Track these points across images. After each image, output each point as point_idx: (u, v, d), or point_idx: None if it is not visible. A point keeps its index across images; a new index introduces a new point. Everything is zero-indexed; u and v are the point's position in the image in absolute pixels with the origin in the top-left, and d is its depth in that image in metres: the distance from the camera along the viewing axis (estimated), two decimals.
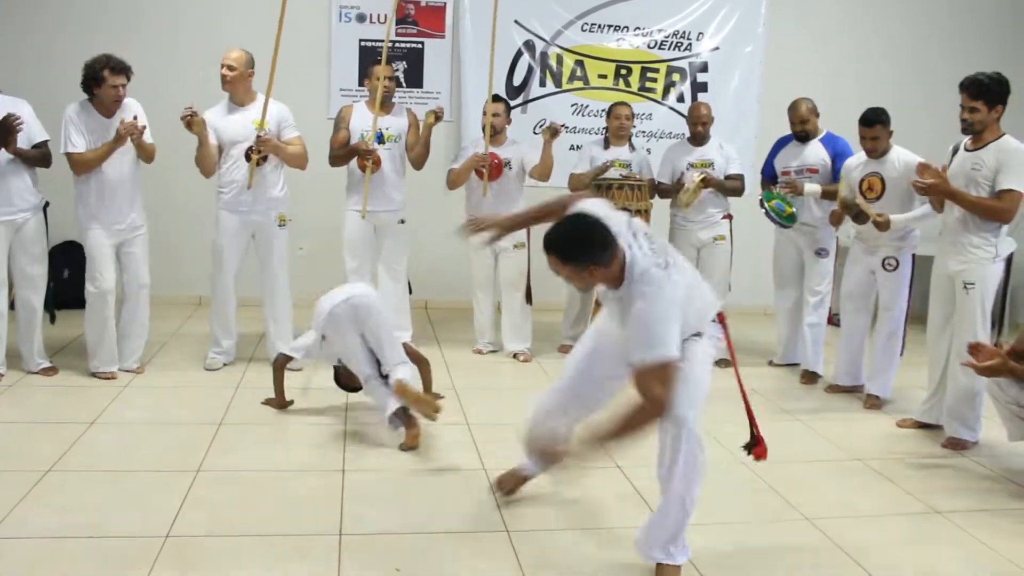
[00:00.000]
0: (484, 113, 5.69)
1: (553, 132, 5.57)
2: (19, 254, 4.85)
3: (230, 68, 5.05)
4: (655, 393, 2.58)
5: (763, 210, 5.46)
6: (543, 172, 5.67)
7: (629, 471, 3.84)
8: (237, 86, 5.09)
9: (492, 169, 5.59)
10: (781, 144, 5.68)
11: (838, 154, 5.36)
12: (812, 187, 5.33)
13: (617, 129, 5.91)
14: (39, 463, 3.67)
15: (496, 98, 5.80)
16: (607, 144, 5.95)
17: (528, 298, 5.83)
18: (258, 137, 4.99)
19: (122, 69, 4.78)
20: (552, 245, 2.75)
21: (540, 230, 5.93)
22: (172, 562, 2.91)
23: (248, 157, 5.03)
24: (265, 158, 5.04)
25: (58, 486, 3.47)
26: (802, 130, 5.46)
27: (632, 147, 5.99)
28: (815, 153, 5.45)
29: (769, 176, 5.71)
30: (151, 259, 5.18)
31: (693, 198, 5.66)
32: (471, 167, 5.61)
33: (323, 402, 4.69)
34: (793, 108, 5.49)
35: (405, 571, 2.93)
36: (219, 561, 2.94)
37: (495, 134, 5.65)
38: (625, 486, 3.72)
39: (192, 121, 4.93)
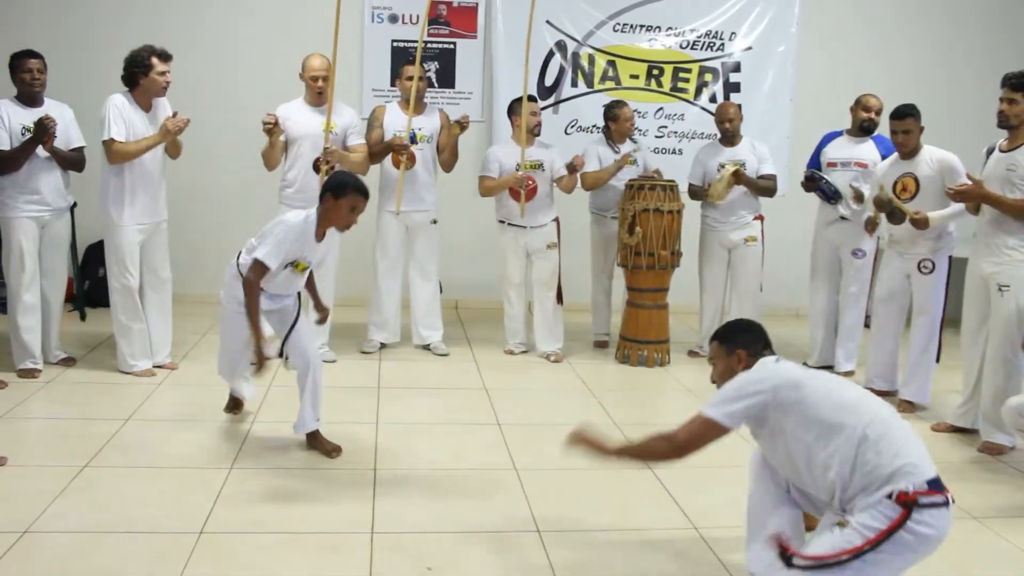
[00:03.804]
0: (515, 114, 5.66)
1: (571, 168, 5.61)
2: (44, 251, 4.97)
3: (325, 79, 5.14)
4: (680, 435, 2.65)
5: (812, 181, 5.45)
6: (567, 189, 5.74)
7: (660, 473, 3.83)
8: (326, 93, 5.14)
9: (528, 192, 5.58)
10: (830, 138, 5.65)
11: (888, 155, 5.30)
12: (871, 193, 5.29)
13: (627, 132, 5.96)
14: (75, 459, 3.72)
15: (532, 98, 5.80)
16: (612, 143, 5.96)
17: (559, 298, 5.83)
18: (325, 150, 5.06)
19: (168, 57, 4.85)
20: (715, 333, 3.01)
21: (570, 228, 6.02)
22: (206, 559, 2.94)
23: (317, 168, 5.11)
24: (332, 167, 5.09)
25: (94, 482, 3.52)
26: (872, 122, 5.43)
27: (634, 141, 6.04)
28: (868, 150, 5.40)
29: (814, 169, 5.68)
30: (180, 258, 5.24)
31: (725, 192, 5.63)
32: (508, 185, 5.59)
33: (354, 401, 4.72)
34: (866, 100, 5.46)
35: (436, 570, 2.94)
36: (252, 558, 2.96)
37: (531, 135, 5.65)
38: (656, 487, 3.71)
39: (273, 131, 5.05)
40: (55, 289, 5.09)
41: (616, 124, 5.92)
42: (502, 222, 5.77)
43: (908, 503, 2.38)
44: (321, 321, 4.38)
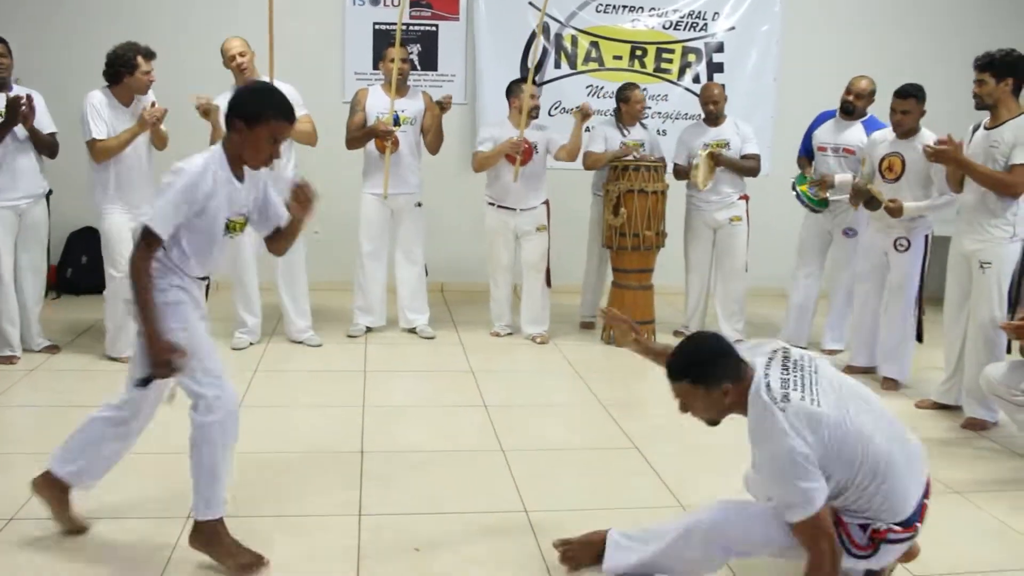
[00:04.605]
0: (514, 96, 5.64)
1: (585, 115, 5.56)
2: (21, 240, 4.95)
3: (242, 55, 5.11)
4: (820, 547, 2.42)
5: (794, 193, 5.43)
6: (571, 153, 5.64)
7: (647, 452, 3.85)
8: (252, 70, 5.13)
9: (524, 154, 5.57)
10: (822, 119, 5.63)
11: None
12: (843, 177, 5.25)
13: (637, 114, 5.92)
14: None
15: (525, 79, 5.80)
16: (621, 126, 5.93)
17: (548, 281, 5.83)
18: None
19: (152, 55, 4.83)
20: (677, 368, 2.55)
21: (561, 210, 6.01)
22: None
23: None
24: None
25: None
26: (852, 104, 5.37)
27: (644, 126, 6.01)
28: (856, 135, 5.38)
29: (805, 151, 5.68)
30: None
31: (709, 176, 5.63)
32: (505, 151, 5.54)
33: (340, 385, 4.71)
34: (853, 81, 5.41)
35: (424, 552, 2.95)
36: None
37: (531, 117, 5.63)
38: (642, 466, 3.73)
39: (208, 109, 4.99)
40: (33, 277, 5.06)
41: (627, 106, 5.89)
42: (491, 204, 5.76)
43: (879, 540, 2.52)
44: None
